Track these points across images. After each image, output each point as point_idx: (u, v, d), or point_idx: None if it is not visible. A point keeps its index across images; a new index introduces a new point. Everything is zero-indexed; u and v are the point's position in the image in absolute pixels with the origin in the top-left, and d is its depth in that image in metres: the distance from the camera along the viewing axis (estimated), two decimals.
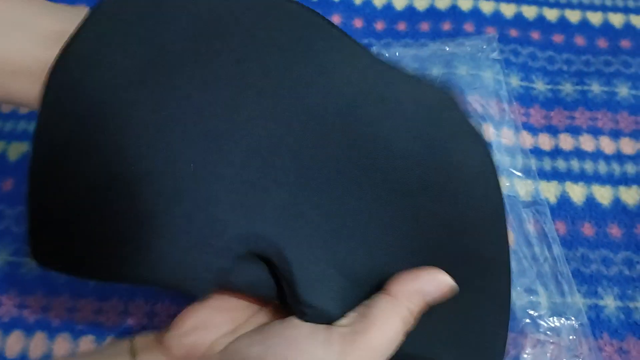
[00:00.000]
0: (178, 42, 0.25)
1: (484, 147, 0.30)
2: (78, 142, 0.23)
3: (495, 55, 0.45)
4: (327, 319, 0.24)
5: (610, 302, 0.36)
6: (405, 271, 0.25)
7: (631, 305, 0.36)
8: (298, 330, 0.24)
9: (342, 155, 0.26)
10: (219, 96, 0.24)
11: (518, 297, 0.35)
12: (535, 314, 0.34)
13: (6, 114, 0.43)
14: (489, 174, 0.29)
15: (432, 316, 0.25)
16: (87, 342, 0.34)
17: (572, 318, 0.34)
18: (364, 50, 0.28)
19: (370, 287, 0.26)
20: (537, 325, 0.34)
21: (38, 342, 0.34)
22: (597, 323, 0.35)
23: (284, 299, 0.25)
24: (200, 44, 0.25)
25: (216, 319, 0.26)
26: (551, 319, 0.34)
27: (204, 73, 0.24)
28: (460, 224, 0.28)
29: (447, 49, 0.45)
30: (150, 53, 0.24)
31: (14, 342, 0.34)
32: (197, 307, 0.26)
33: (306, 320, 0.24)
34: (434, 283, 0.25)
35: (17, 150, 0.41)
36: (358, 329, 0.24)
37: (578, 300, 0.35)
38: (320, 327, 0.24)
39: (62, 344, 0.34)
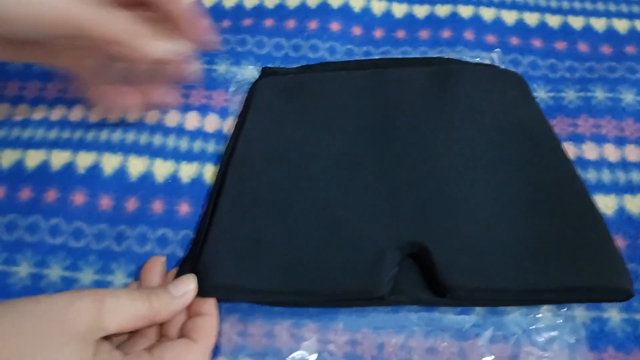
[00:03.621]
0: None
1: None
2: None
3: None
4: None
5: (614, 315, 0.34)
6: None
7: (637, 317, 0.34)
8: None
9: None
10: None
11: (512, 310, 0.33)
12: (532, 327, 0.33)
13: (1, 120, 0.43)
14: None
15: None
16: None
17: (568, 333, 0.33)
18: None
19: None
20: (533, 340, 0.33)
21: None
22: (601, 336, 0.34)
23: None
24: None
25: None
26: (547, 333, 0.33)
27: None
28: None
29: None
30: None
31: None
32: None
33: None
34: None
35: (10, 157, 0.41)
36: None
37: (578, 313, 0.34)
38: None
39: None
